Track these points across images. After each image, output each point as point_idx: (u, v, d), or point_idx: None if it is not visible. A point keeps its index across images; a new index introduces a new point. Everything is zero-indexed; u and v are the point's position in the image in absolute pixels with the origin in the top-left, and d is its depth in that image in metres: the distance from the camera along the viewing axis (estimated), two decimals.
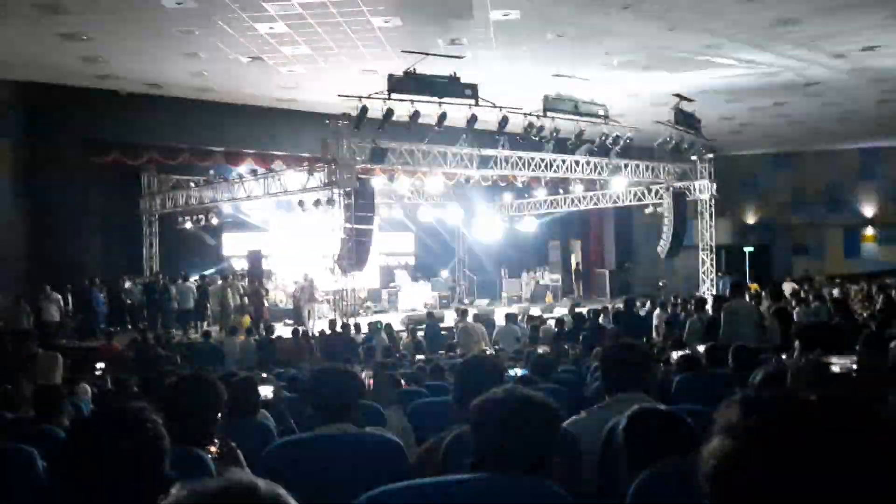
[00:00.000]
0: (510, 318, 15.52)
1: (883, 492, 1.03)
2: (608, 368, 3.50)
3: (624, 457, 2.50)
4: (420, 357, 11.87)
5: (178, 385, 3.06)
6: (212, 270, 21.78)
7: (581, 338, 12.56)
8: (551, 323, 15.50)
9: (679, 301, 17.25)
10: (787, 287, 19.74)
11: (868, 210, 29.80)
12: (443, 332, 16.18)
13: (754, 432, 1.08)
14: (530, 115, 16.57)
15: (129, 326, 18.77)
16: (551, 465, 2.16)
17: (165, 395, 2.90)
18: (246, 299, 19.40)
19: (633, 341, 3.98)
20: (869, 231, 29.78)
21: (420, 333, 15.98)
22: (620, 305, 15.74)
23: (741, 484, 1.07)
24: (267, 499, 1.11)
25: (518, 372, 6.95)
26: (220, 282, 19.82)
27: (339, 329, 15.34)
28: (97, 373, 11.59)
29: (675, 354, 7.62)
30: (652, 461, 2.33)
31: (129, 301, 19.44)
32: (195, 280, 19.90)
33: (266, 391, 6.10)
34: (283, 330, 16.83)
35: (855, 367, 4.73)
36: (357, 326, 15.50)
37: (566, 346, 12.10)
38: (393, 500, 2.10)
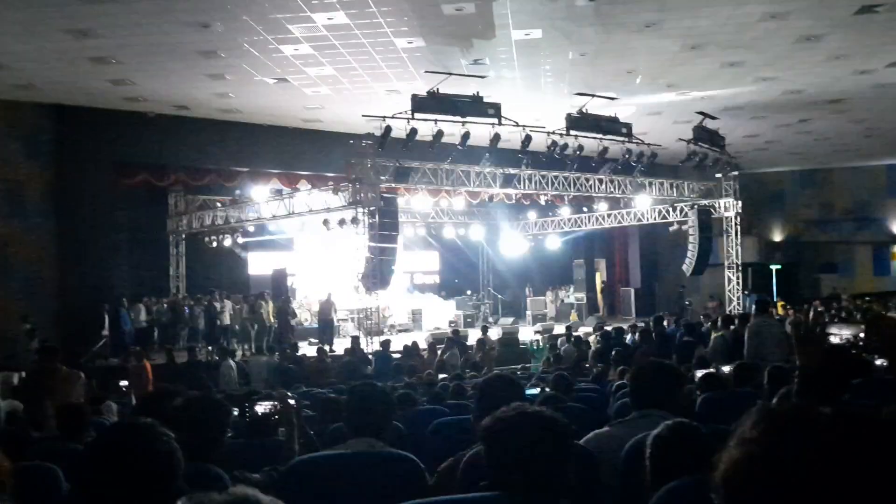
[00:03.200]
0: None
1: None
2: (637, 385, 3.51)
3: (648, 472, 2.49)
4: (443, 376, 11.80)
5: (187, 405, 3.23)
6: None
7: (603, 356, 12.44)
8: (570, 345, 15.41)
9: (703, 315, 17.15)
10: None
11: None
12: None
13: (762, 440, 1.08)
14: (553, 133, 16.55)
15: (157, 346, 18.91)
16: (567, 484, 2.14)
17: (175, 415, 3.03)
18: (272, 318, 19.49)
19: (665, 361, 3.99)
20: None
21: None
22: (648, 323, 15.59)
23: (749, 491, 1.07)
24: None
25: (539, 391, 6.91)
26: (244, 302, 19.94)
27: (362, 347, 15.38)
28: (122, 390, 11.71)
29: (698, 373, 7.53)
30: (677, 477, 2.32)
31: (158, 320, 19.62)
32: (226, 300, 20.01)
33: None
34: (307, 349, 16.86)
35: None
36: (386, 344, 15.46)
37: (586, 365, 12.04)
38: None
